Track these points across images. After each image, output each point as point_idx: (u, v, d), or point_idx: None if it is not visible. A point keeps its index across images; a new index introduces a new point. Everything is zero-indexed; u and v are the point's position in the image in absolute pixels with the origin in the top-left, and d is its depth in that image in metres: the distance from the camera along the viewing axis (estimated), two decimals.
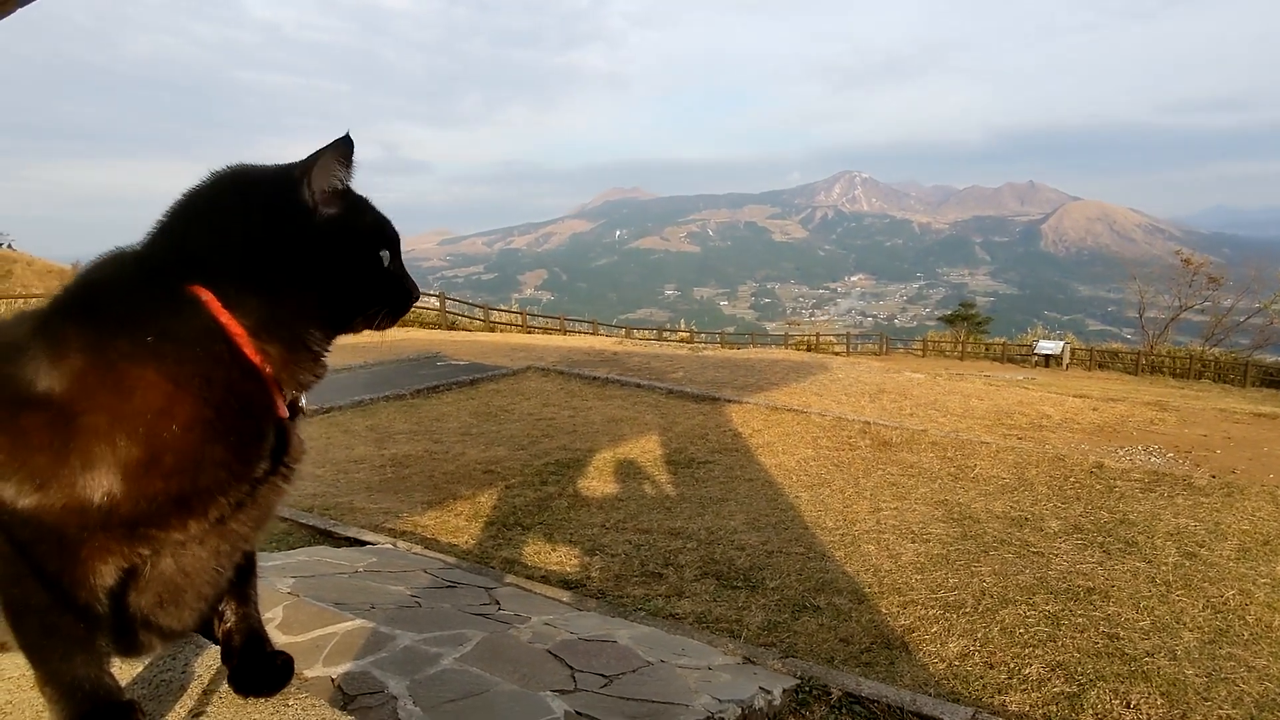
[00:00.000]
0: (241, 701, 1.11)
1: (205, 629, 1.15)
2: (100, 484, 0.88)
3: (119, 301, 0.93)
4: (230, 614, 1.12)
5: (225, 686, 1.13)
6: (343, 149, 1.02)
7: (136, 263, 0.98)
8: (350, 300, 1.04)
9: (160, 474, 0.90)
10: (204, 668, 1.20)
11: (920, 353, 36.51)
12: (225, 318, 0.94)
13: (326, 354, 1.06)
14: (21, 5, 2.78)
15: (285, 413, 1.02)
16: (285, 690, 1.12)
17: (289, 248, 0.99)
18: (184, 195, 1.02)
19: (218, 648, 1.16)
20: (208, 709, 1.10)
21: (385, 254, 1.07)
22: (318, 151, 1.02)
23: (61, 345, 0.89)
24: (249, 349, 0.95)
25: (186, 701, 1.11)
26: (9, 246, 27.53)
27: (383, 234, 1.07)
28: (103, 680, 0.98)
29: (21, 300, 15.99)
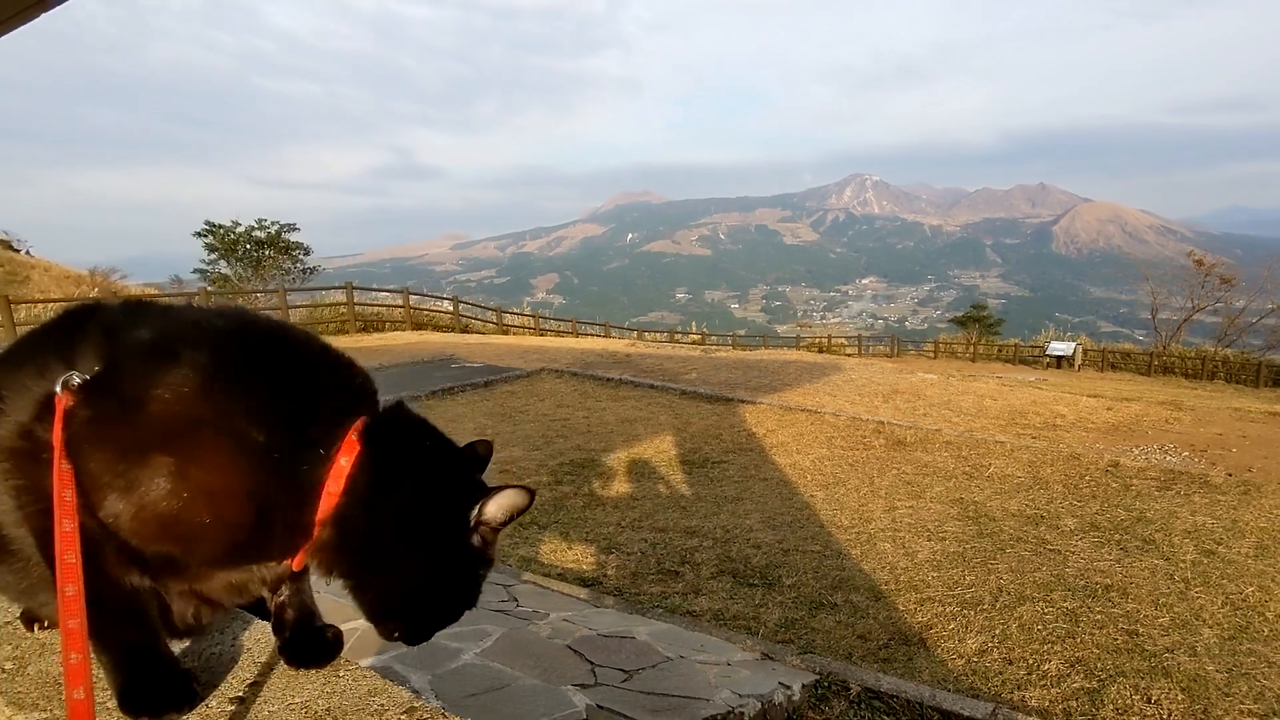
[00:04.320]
0: (293, 673, 1.14)
1: (256, 605, 1.17)
2: (159, 506, 0.91)
3: (276, 381, 0.99)
4: (285, 588, 1.14)
5: (276, 658, 1.16)
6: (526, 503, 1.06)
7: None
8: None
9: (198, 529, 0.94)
10: (253, 641, 1.23)
11: (932, 354, 36.41)
12: (339, 465, 0.98)
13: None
14: (28, 20, 2.81)
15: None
16: (335, 662, 1.15)
17: (417, 549, 1.01)
18: (372, 422, 1.03)
19: (264, 622, 1.19)
20: (259, 680, 1.12)
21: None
22: (506, 500, 1.04)
23: (200, 377, 0.94)
24: (324, 494, 0.98)
25: (239, 673, 1.14)
26: (27, 252, 27.77)
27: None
28: (158, 650, 1.01)
29: (41, 305, 16.11)
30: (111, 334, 1.00)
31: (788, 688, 3.00)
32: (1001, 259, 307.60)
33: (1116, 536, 4.97)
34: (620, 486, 6.00)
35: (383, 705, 1.09)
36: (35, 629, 1.25)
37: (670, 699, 2.77)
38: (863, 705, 3.06)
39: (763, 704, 2.85)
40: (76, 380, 0.93)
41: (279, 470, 0.94)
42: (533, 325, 26.66)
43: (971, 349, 35.58)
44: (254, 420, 0.94)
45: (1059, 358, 30.75)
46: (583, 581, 4.28)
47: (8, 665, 1.17)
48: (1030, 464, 6.61)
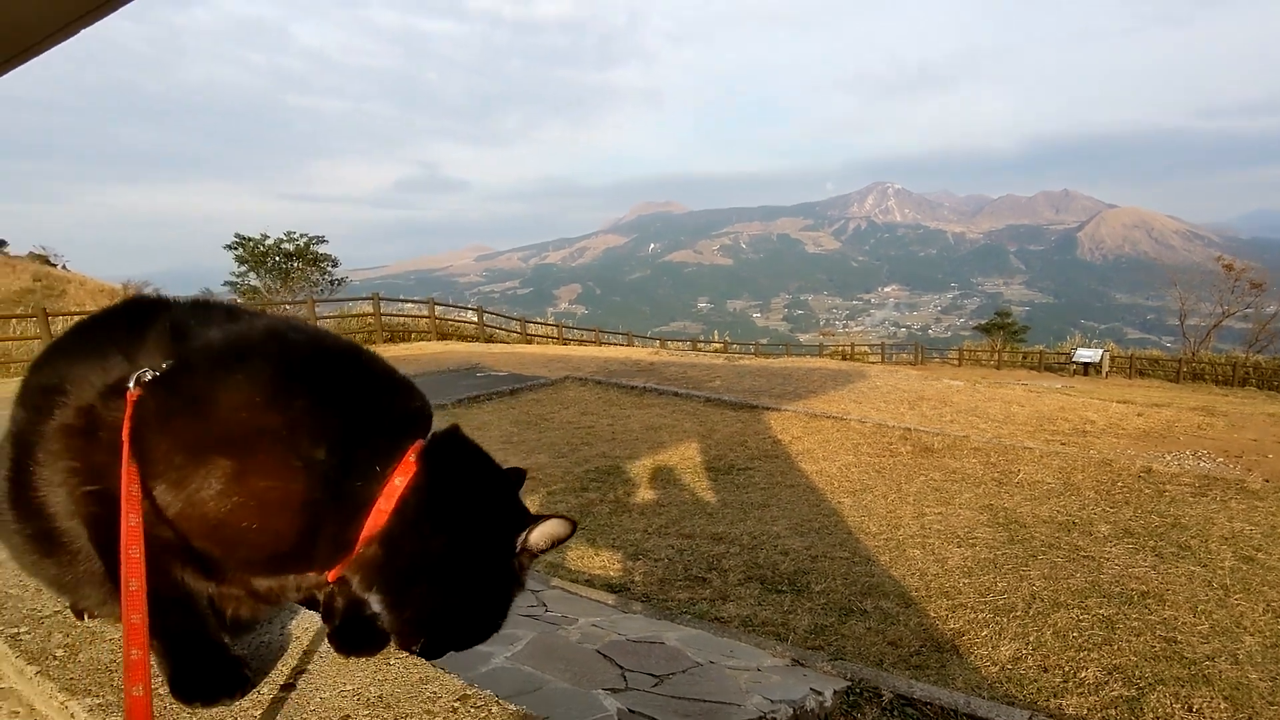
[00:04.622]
0: (343, 660, 1.15)
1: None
2: (207, 506, 0.93)
3: (341, 403, 0.99)
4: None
5: (326, 646, 1.17)
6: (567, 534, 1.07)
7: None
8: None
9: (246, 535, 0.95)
10: (301, 630, 1.24)
11: (956, 361, 36.11)
12: (393, 483, 0.98)
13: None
14: (33, 56, 2.85)
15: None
16: (385, 651, 1.16)
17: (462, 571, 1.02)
18: (427, 446, 1.04)
19: (312, 612, 1.20)
20: (310, 667, 1.13)
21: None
22: (550, 530, 1.05)
23: (271, 388, 0.95)
24: (374, 511, 0.98)
25: (289, 661, 1.15)
26: (63, 267, 28.27)
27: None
28: (209, 637, 1.02)
29: (77, 318, 16.39)
30: (181, 333, 1.01)
31: (819, 694, 2.98)
32: (1026, 266, 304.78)
33: (1152, 543, 4.89)
34: (646, 493, 5.99)
35: (435, 693, 1.09)
36: (85, 618, 1.26)
37: (702, 704, 2.75)
38: (895, 712, 3.02)
39: (795, 710, 2.82)
40: (149, 376, 0.95)
41: (332, 488, 0.95)
42: (556, 335, 26.78)
43: (996, 356, 35.23)
44: (316, 436, 0.95)
45: (1085, 364, 30.34)
46: (610, 587, 4.27)
47: (59, 652, 1.19)
48: (1061, 470, 6.53)
